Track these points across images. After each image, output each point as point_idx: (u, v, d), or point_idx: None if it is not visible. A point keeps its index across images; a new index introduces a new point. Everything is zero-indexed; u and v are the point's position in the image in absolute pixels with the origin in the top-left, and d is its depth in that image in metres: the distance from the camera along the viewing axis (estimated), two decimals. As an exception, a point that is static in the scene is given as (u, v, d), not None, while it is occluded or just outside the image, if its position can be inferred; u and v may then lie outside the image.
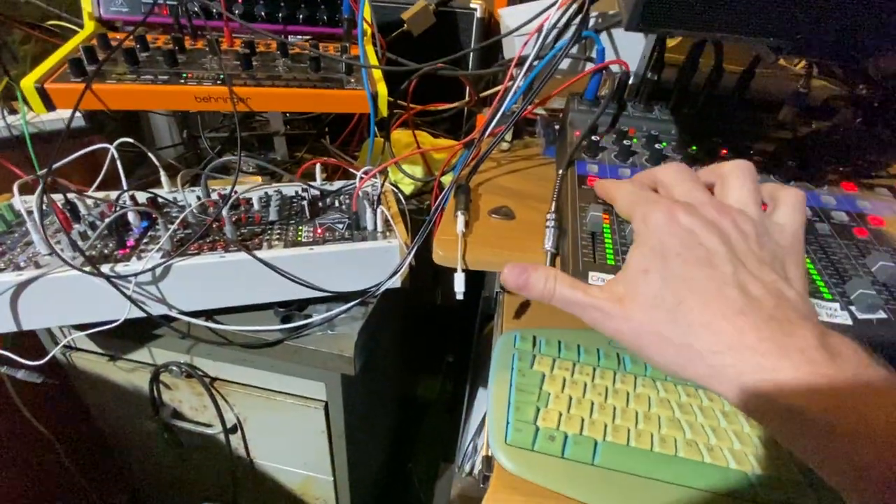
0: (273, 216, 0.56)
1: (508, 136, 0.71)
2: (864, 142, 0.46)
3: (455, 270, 0.42)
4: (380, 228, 0.55)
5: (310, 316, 0.55)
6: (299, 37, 0.70)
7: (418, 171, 0.78)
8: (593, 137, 0.45)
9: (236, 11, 0.64)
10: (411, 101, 0.69)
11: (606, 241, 0.36)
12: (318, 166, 0.64)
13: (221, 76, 0.54)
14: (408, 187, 0.76)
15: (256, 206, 0.59)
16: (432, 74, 0.64)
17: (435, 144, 0.82)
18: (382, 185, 0.59)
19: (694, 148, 0.47)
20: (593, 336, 0.44)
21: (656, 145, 0.45)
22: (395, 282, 0.55)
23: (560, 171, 0.44)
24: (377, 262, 0.54)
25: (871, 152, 0.46)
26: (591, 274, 0.33)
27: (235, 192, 0.57)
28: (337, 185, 0.65)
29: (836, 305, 0.31)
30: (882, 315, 0.31)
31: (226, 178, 0.71)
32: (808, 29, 0.25)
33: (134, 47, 0.55)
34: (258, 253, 0.50)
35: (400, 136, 0.80)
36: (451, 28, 0.98)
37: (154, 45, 0.60)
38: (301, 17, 0.67)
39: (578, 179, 0.42)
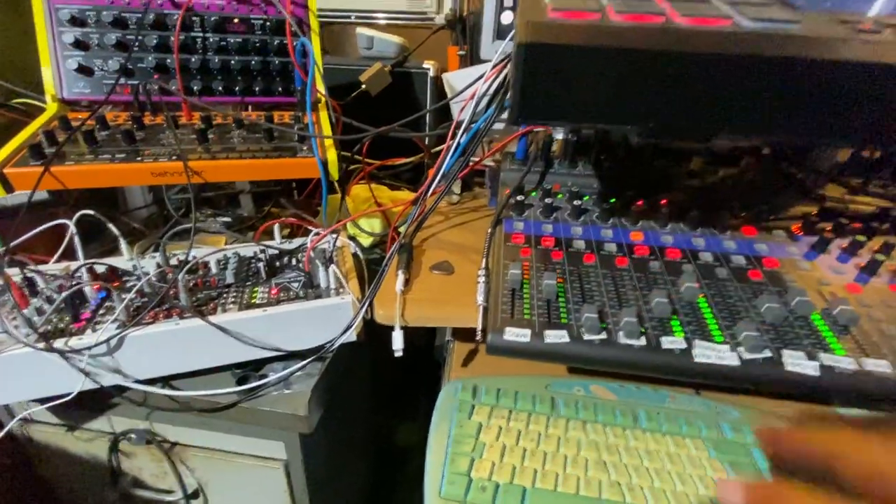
0: (230, 279, 0.59)
1: (457, 189, 0.76)
2: (765, 187, 0.51)
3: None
4: (333, 286, 0.58)
5: (266, 375, 0.57)
6: (254, 107, 0.75)
7: (378, 223, 0.81)
8: (518, 197, 0.49)
9: (195, 87, 0.69)
10: (373, 155, 0.73)
11: (525, 296, 0.39)
12: (276, 226, 0.67)
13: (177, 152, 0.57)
14: (367, 240, 0.79)
15: (214, 270, 0.61)
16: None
17: (392, 197, 0.86)
18: (335, 243, 0.62)
19: (613, 200, 0.51)
20: (531, 382, 0.47)
21: (576, 201, 0.49)
22: (350, 336, 0.57)
23: (489, 230, 0.47)
24: (331, 318, 0.56)
25: (770, 197, 0.51)
26: (507, 329, 0.36)
27: (194, 258, 0.59)
28: (296, 242, 0.67)
29: (726, 347, 0.35)
30: (767, 354, 0.34)
31: (199, 238, 0.74)
32: (656, 118, 0.29)
33: (93, 128, 0.58)
34: (213, 318, 0.52)
35: (360, 190, 0.84)
36: (408, 87, 1.05)
37: (115, 122, 0.63)
38: (258, 88, 0.72)
39: (504, 237, 0.46)
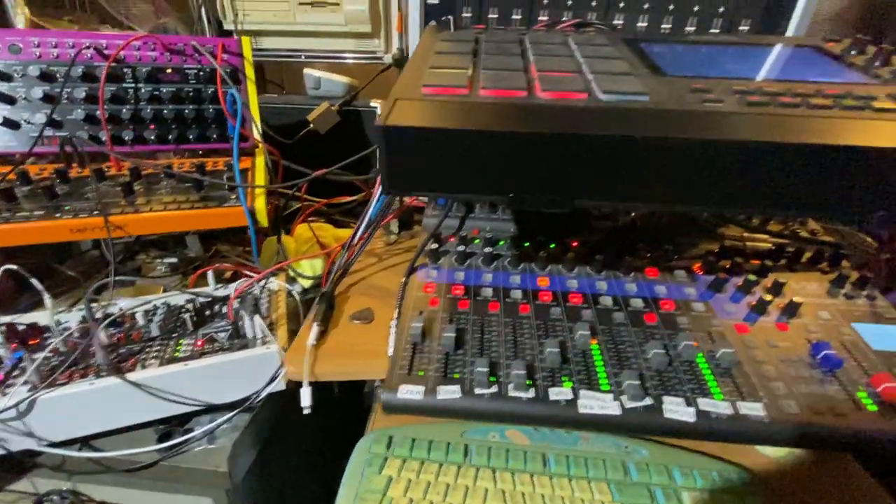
0: (154, 332, 0.58)
1: (395, 228, 0.77)
2: (671, 228, 0.53)
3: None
4: (259, 335, 0.58)
5: (191, 430, 0.56)
6: (190, 153, 0.75)
7: (320, 264, 0.82)
8: (434, 245, 0.51)
9: (127, 137, 0.69)
10: (323, 192, 0.75)
11: (425, 350, 0.40)
12: (210, 273, 0.67)
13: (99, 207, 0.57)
14: (307, 282, 0.79)
15: (141, 322, 0.60)
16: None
17: (337, 236, 0.86)
18: (262, 290, 0.62)
19: (526, 244, 0.53)
20: (447, 429, 0.47)
21: (490, 248, 0.51)
22: (278, 386, 0.57)
23: (403, 279, 0.48)
24: (257, 369, 0.56)
25: (675, 237, 0.53)
26: (401, 387, 0.36)
27: (120, 310, 0.59)
28: (231, 287, 0.67)
29: (610, 397, 0.36)
30: (648, 402, 0.36)
31: (129, 288, 0.73)
32: (516, 189, 0.31)
33: (13, 184, 0.58)
34: (131, 375, 0.51)
35: (302, 230, 0.84)
36: (357, 125, 1.07)
37: (39, 176, 0.63)
38: (192, 136, 0.72)
39: (417, 286, 0.47)
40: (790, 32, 0.59)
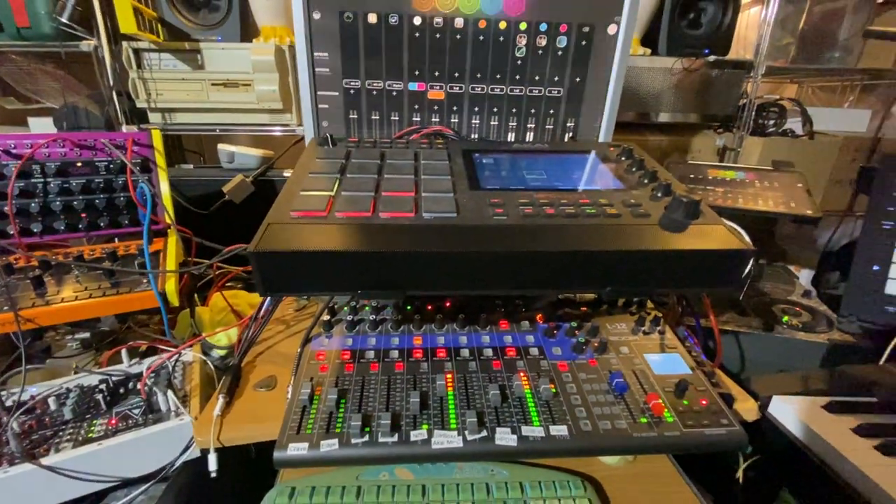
0: (67, 415, 0.62)
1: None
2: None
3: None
4: (173, 408, 0.63)
5: (107, 505, 0.60)
6: (105, 239, 0.80)
7: (235, 333, 0.88)
8: (326, 316, 0.60)
9: (36, 229, 0.73)
10: (239, 260, 0.81)
11: (312, 412, 0.49)
12: (123, 351, 0.72)
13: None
14: (222, 352, 0.85)
15: (53, 406, 0.64)
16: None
17: (252, 303, 0.93)
18: (174, 365, 0.68)
19: (409, 308, 0.64)
20: (345, 474, 0.56)
21: (374, 315, 0.61)
22: (193, 453, 0.62)
23: (298, 349, 0.58)
24: (171, 440, 0.61)
25: (525, 294, 0.67)
26: (290, 445, 0.45)
27: (31, 397, 0.62)
28: (146, 363, 0.72)
29: (455, 433, 0.47)
30: (483, 434, 0.47)
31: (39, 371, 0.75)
32: (364, 287, 0.42)
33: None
34: (45, 460, 0.55)
35: (217, 299, 0.90)
36: (272, 193, 1.15)
37: (-56, 274, 0.65)
38: (103, 223, 0.78)
39: (310, 355, 0.56)
40: (602, 127, 0.78)
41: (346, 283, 0.42)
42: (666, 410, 0.51)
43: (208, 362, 0.75)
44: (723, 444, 0.49)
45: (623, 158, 0.61)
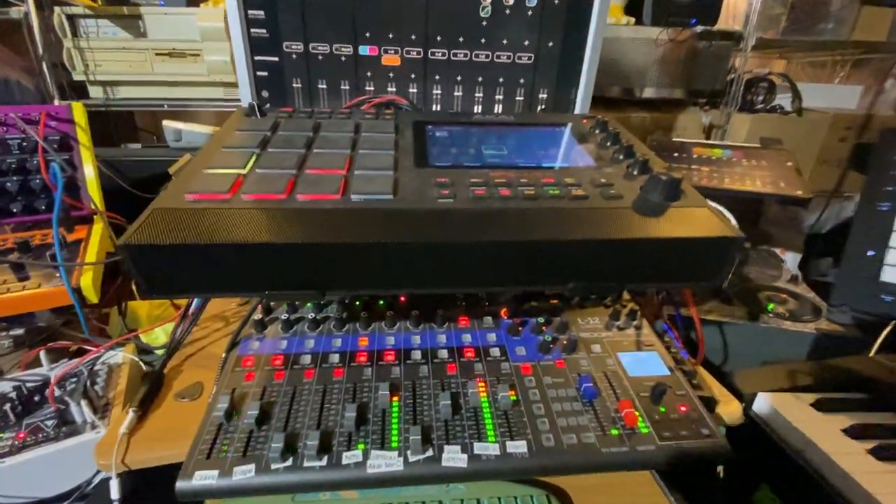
0: (-35, 430, 0.54)
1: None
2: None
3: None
4: (88, 419, 0.56)
5: (11, 532, 0.52)
6: (16, 227, 0.71)
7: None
8: (258, 315, 0.53)
9: (-71, 216, 0.64)
10: None
11: (231, 430, 0.42)
12: (42, 353, 0.64)
13: None
14: (161, 349, 0.77)
15: (-49, 419, 0.56)
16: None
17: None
18: (101, 367, 0.60)
19: (357, 303, 0.57)
20: (276, 499, 0.49)
21: (312, 313, 0.54)
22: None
23: (224, 354, 0.50)
24: (88, 456, 0.54)
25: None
26: (196, 473, 0.38)
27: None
28: (60, 366, 0.64)
29: (395, 454, 0.41)
30: (430, 453, 0.41)
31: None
32: (270, 287, 0.35)
33: None
34: (-72, 486, 0.47)
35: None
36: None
37: None
38: (16, 209, 0.68)
39: (235, 361, 0.49)
40: (578, 98, 0.70)
41: (248, 283, 0.34)
42: (640, 420, 0.45)
43: (141, 364, 0.67)
44: (702, 457, 0.43)
45: (597, 132, 0.53)
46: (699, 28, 1.22)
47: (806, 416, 0.61)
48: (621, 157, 0.48)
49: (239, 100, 1.19)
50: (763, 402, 0.63)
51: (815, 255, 1.02)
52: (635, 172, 0.45)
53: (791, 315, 0.82)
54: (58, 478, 0.53)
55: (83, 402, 0.56)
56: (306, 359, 0.50)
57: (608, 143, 0.50)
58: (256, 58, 0.63)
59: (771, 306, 0.83)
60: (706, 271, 0.38)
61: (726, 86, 1.30)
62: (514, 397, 0.46)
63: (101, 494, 0.57)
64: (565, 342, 0.53)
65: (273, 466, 0.39)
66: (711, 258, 0.38)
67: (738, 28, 1.29)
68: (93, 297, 0.61)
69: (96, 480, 0.54)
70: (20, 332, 0.79)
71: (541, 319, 0.55)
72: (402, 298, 0.59)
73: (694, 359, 0.57)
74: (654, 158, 0.47)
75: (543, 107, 0.70)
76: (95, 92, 1.13)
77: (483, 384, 0.48)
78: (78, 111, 0.74)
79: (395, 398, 0.46)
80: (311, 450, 0.39)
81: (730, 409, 0.53)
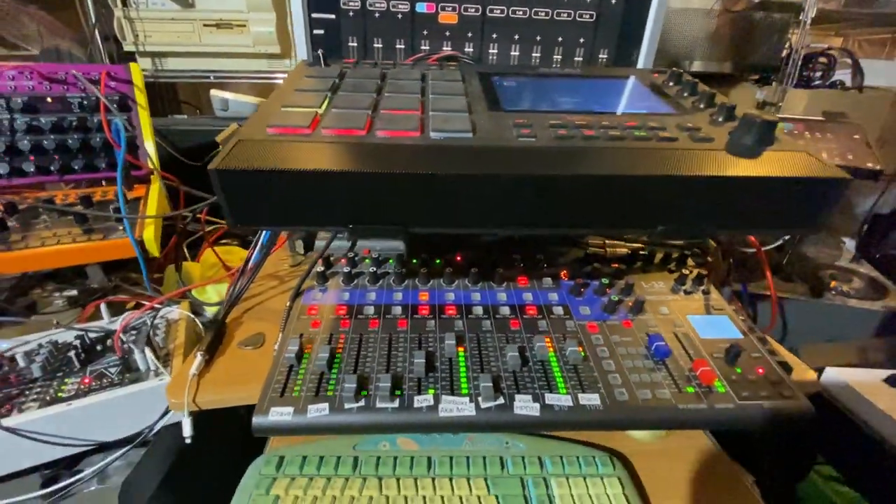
0: (36, 373, 0.56)
1: (300, 249, 0.78)
2: (543, 238, 0.59)
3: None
4: (152, 367, 0.57)
5: (80, 471, 0.54)
6: (79, 184, 0.73)
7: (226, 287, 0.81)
8: (320, 268, 0.53)
9: (1, 171, 0.66)
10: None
11: (301, 372, 0.42)
12: (103, 306, 0.65)
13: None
14: (212, 309, 0.79)
15: (22, 364, 0.58)
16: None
17: (244, 257, 0.86)
18: (153, 322, 0.62)
19: (415, 261, 0.56)
20: (338, 444, 0.50)
21: (375, 267, 0.53)
22: (175, 417, 0.56)
23: (288, 303, 0.50)
24: (151, 401, 0.55)
25: (547, 247, 0.58)
26: (271, 409, 0.38)
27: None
28: (125, 315, 0.66)
29: (466, 399, 0.40)
30: (500, 401, 0.40)
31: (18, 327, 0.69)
32: (356, 220, 0.34)
33: None
34: (6, 421, 0.49)
35: (209, 256, 0.83)
36: (268, 144, 1.06)
37: None
38: (78, 166, 0.70)
39: (300, 310, 0.49)
40: (641, 59, 0.67)
41: (333, 216, 0.34)
42: (717, 379, 0.43)
43: (196, 321, 0.68)
44: (785, 417, 0.41)
45: (671, 84, 0.51)
46: (756, -2, 1.16)
47: (878, 391, 0.58)
48: (702, 105, 0.46)
49: (283, 71, 1.20)
50: (833, 375, 0.60)
51: (879, 234, 0.97)
52: (720, 119, 0.43)
53: (857, 293, 0.78)
54: (121, 422, 0.55)
55: (147, 350, 0.57)
56: (370, 310, 0.49)
57: (685, 94, 0.48)
58: (313, 15, 0.63)
59: (835, 284, 0.79)
60: (803, 217, 0.36)
61: (783, 61, 1.24)
62: (583, 353, 0.45)
63: (161, 441, 0.59)
64: (631, 304, 0.51)
65: (346, 406, 0.39)
66: (812, 202, 0.36)
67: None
68: (154, 250, 0.62)
69: (157, 426, 0.56)
70: (74, 292, 0.82)
71: (605, 281, 0.53)
72: (459, 258, 0.58)
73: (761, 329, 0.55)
74: (740, 106, 0.44)
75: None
76: (144, 63, 1.15)
77: (549, 340, 0.46)
78: (136, 72, 0.75)
79: (461, 349, 0.45)
80: (384, 391, 0.39)
81: (805, 378, 0.51)
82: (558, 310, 0.51)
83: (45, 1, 1.22)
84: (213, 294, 0.77)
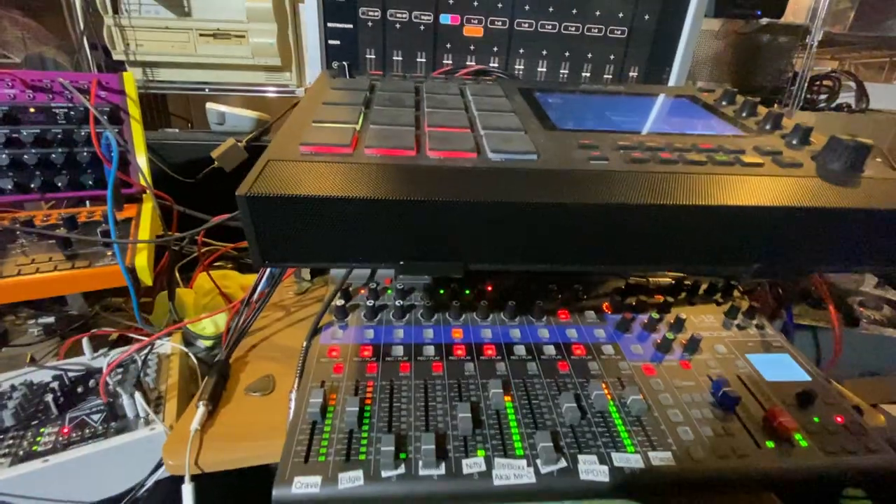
0: (8, 421, 0.48)
1: (307, 276, 0.72)
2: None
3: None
4: (142, 414, 0.50)
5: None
6: (64, 203, 0.66)
7: (223, 320, 0.74)
8: (340, 301, 0.47)
9: (-27, 188, 0.59)
10: (229, 236, 0.68)
11: (326, 429, 0.36)
12: (85, 341, 0.58)
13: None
14: (208, 342, 0.72)
15: (-10, 410, 0.50)
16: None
17: (243, 284, 0.79)
18: (150, 357, 0.55)
19: (441, 291, 0.51)
20: None
21: (400, 300, 0.48)
22: (166, 471, 0.49)
23: (305, 342, 0.44)
24: (140, 453, 0.48)
25: (583, 275, 0.54)
26: (295, 479, 0.32)
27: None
28: (113, 354, 0.59)
29: (524, 463, 0.34)
30: (563, 464, 0.34)
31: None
32: (406, 257, 0.29)
33: None
34: (-32, 483, 0.42)
35: (203, 281, 0.76)
36: (266, 160, 1.00)
37: None
38: (61, 183, 0.63)
39: (320, 351, 0.43)
40: (672, 78, 0.64)
41: (382, 251, 0.29)
42: (797, 431, 0.38)
43: (191, 355, 0.62)
44: (877, 476, 0.37)
45: (725, 103, 0.47)
46: (764, 20, 1.16)
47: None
48: (768, 126, 0.42)
49: (280, 85, 1.14)
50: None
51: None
52: (795, 141, 0.39)
53: (889, 322, 0.75)
54: (106, 480, 0.48)
55: (137, 395, 0.50)
56: (398, 350, 0.44)
57: (744, 113, 0.44)
58: (329, 24, 0.58)
59: (867, 313, 0.76)
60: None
61: (787, 82, 1.24)
62: (646, 402, 0.40)
63: (154, 499, 0.51)
64: (685, 341, 0.47)
65: (384, 474, 0.33)
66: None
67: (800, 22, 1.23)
68: (147, 279, 0.55)
69: (149, 483, 0.48)
70: (51, 319, 0.74)
71: (655, 315, 0.48)
72: (489, 287, 0.53)
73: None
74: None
75: (634, 86, 0.64)
76: (135, 73, 1.09)
77: (605, 386, 0.41)
78: (129, 82, 0.69)
79: (508, 398, 0.39)
80: (428, 455, 0.33)
81: (876, 423, 0.47)
82: (608, 349, 0.46)
83: (29, 6, 1.15)
84: (209, 325, 0.70)
